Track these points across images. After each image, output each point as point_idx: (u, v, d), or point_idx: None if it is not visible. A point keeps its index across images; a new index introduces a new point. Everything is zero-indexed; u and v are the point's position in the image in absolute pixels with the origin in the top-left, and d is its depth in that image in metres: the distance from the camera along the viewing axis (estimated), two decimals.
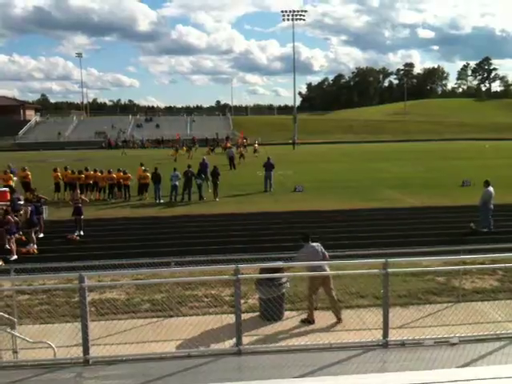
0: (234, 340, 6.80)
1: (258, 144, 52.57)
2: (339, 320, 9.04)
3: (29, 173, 25.23)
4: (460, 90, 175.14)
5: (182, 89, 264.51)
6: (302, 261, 9.15)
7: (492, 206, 16.20)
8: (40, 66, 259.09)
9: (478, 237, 14.83)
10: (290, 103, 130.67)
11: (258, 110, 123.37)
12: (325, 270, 8.68)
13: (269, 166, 26.27)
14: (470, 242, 12.81)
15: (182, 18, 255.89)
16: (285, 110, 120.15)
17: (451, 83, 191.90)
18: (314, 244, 9.50)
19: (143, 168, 24.89)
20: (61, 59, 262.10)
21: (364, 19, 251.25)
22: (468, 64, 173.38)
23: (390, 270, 6.83)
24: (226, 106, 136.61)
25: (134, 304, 10.11)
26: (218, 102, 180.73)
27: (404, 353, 6.55)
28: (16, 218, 15.43)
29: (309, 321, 9.02)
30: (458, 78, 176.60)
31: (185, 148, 50.91)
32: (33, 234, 15.29)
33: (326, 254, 9.42)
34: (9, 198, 19.38)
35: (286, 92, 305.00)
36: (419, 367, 6.04)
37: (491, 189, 16.33)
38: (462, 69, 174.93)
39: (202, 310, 9.70)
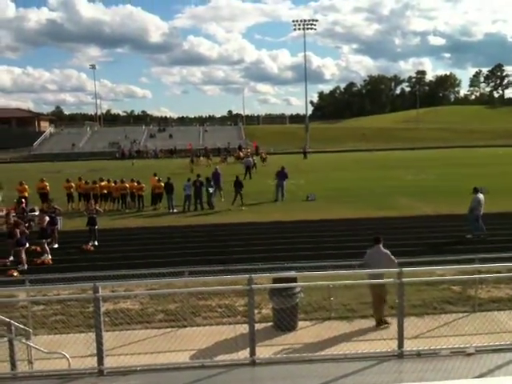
0: (248, 350, 6.77)
1: (266, 153, 52.55)
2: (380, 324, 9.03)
3: (47, 184, 25.42)
4: (473, 96, 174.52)
5: (194, 99, 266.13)
6: (365, 263, 9.20)
7: (481, 213, 16.29)
8: (54, 78, 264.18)
9: (485, 245, 14.67)
10: (301, 112, 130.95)
11: (270, 119, 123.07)
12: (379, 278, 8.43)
13: (282, 176, 26.20)
14: (481, 250, 12.62)
15: (193, 28, 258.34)
16: (296, 118, 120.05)
17: (464, 90, 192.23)
18: (382, 248, 9.35)
19: (157, 178, 25.06)
20: (74, 71, 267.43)
21: (374, 27, 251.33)
22: (480, 71, 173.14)
23: (404, 279, 6.77)
24: (237, 115, 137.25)
25: (148, 314, 10.14)
26: (230, 111, 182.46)
27: (420, 363, 6.47)
28: (26, 231, 15.49)
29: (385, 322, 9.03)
30: (470, 85, 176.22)
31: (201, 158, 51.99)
32: (46, 245, 15.40)
33: (392, 259, 9.11)
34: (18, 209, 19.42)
35: (297, 101, 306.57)
36: (435, 378, 5.97)
37: (480, 196, 16.52)
38: (474, 76, 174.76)
39: (215, 320, 9.68)
